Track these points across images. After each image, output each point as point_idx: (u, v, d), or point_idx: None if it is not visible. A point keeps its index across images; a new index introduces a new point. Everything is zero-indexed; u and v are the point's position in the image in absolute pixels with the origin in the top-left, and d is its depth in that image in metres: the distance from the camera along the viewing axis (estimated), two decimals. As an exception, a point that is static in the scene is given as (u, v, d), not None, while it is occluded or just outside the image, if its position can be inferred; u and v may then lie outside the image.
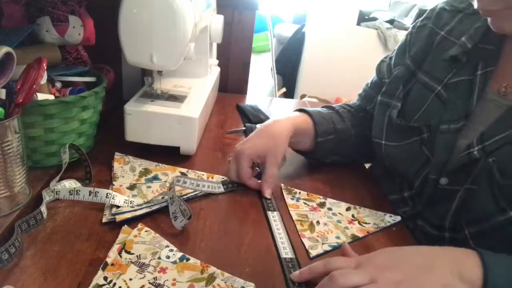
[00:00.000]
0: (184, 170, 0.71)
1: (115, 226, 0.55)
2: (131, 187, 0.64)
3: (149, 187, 0.65)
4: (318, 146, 0.75)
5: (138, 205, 0.59)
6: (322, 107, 0.84)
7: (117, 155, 0.73)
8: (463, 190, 0.58)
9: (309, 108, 0.78)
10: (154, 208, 0.59)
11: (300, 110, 0.78)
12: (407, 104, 0.69)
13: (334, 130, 0.76)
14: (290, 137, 0.70)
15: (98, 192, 0.59)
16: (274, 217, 0.61)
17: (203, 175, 0.70)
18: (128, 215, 0.57)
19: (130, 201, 0.59)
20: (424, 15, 0.73)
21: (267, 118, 0.99)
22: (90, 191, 0.59)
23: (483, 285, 0.43)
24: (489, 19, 0.56)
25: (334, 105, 0.84)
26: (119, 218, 0.56)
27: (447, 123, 0.61)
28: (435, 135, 0.62)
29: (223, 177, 0.70)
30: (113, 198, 0.58)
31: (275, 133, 0.69)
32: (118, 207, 0.58)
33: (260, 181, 0.68)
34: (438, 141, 0.61)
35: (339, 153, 0.79)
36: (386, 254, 0.48)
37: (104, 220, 0.56)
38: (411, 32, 0.75)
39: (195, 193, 0.64)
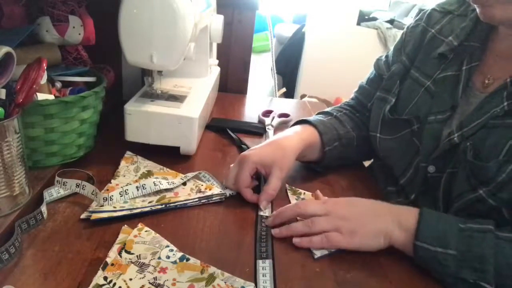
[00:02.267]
0: (184, 175, 0.69)
1: (115, 226, 0.55)
2: (124, 187, 0.63)
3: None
4: (326, 155, 0.75)
5: (120, 207, 0.59)
6: (318, 113, 0.83)
7: (127, 154, 0.73)
8: (446, 174, 0.62)
9: (310, 118, 0.78)
10: (135, 211, 0.58)
11: (301, 122, 0.78)
12: (400, 99, 0.72)
13: (338, 136, 0.76)
14: (299, 152, 0.69)
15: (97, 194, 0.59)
16: (265, 268, 0.51)
17: (202, 185, 0.67)
18: (104, 215, 0.56)
19: (125, 190, 0.61)
20: (418, 16, 0.76)
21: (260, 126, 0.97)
22: (93, 190, 0.59)
23: (416, 232, 0.52)
24: (478, 9, 0.57)
25: (329, 110, 0.84)
26: (94, 216, 0.56)
27: (435, 114, 0.65)
28: (424, 125, 0.65)
29: (221, 190, 0.66)
30: (110, 199, 0.59)
31: (284, 145, 0.68)
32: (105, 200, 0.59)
33: (255, 194, 0.65)
34: (426, 131, 0.65)
35: (345, 157, 0.79)
36: (347, 199, 0.61)
37: (82, 216, 0.56)
38: (405, 31, 0.78)
39: (194, 200, 0.63)
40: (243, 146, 0.84)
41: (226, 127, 0.92)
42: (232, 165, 0.68)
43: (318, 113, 0.83)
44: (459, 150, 0.59)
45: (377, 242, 0.55)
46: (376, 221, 0.56)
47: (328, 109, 0.85)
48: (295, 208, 0.59)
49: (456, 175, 0.59)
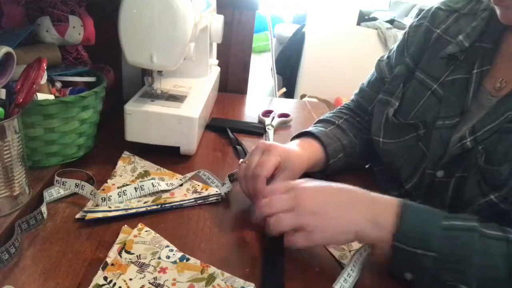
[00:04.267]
0: (181, 176, 0.69)
1: (115, 226, 0.55)
2: (122, 187, 0.63)
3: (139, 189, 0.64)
4: (330, 167, 0.74)
5: (116, 207, 0.59)
6: (319, 121, 0.81)
7: (125, 154, 0.73)
8: (455, 179, 0.60)
9: (313, 130, 0.76)
10: (130, 212, 0.58)
11: (304, 134, 0.76)
12: (404, 102, 0.70)
13: (342, 147, 0.75)
14: (305, 168, 0.69)
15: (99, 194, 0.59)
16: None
17: (198, 185, 0.67)
18: (99, 215, 0.56)
19: (124, 191, 0.60)
20: (421, 14, 0.74)
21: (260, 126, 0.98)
22: (91, 191, 0.59)
23: (396, 233, 0.49)
24: (498, 11, 0.56)
25: (330, 118, 0.81)
26: (89, 216, 0.56)
27: (443, 119, 0.62)
28: (431, 131, 0.63)
29: (217, 190, 0.66)
30: (109, 199, 0.59)
31: (301, 157, 0.67)
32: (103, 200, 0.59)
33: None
34: (434, 137, 0.63)
35: (349, 165, 0.78)
36: (316, 187, 0.54)
37: (77, 216, 0.56)
38: (408, 31, 0.75)
39: (190, 200, 0.63)
40: (238, 147, 0.83)
41: (226, 127, 0.92)
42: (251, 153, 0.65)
43: (319, 121, 0.82)
44: (471, 155, 0.57)
45: (345, 238, 0.51)
46: (347, 217, 0.51)
47: (328, 116, 0.83)
48: (262, 210, 0.53)
49: (466, 180, 0.58)
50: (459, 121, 0.61)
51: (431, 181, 0.63)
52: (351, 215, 0.51)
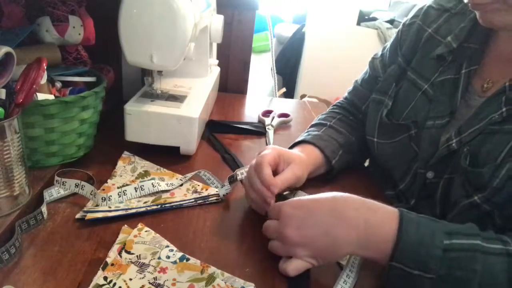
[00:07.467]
0: (181, 176, 0.69)
1: (115, 226, 0.55)
2: (122, 187, 0.62)
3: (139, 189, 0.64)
4: (334, 168, 0.74)
5: (116, 207, 0.59)
6: (312, 126, 0.81)
7: (125, 154, 0.73)
8: (443, 180, 0.60)
9: (306, 137, 0.75)
10: (130, 212, 0.58)
11: (300, 143, 0.75)
12: (397, 102, 0.70)
13: (339, 145, 0.75)
14: (309, 173, 0.69)
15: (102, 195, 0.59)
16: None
17: (198, 185, 0.68)
18: (99, 215, 0.56)
19: (124, 191, 0.60)
20: (413, 13, 0.74)
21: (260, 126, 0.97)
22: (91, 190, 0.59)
23: (392, 253, 0.46)
24: (477, 13, 0.56)
25: (322, 120, 0.81)
26: (89, 216, 0.56)
27: (433, 119, 0.63)
28: (422, 131, 0.64)
29: (217, 190, 0.66)
30: (109, 199, 0.59)
31: (305, 161, 0.68)
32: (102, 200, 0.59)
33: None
34: (424, 137, 0.63)
35: (351, 163, 0.78)
36: (301, 215, 0.50)
37: (77, 216, 0.56)
38: (401, 30, 0.75)
39: (190, 200, 0.63)
40: (225, 155, 0.80)
41: (212, 134, 0.89)
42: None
43: (311, 126, 0.81)
44: (457, 156, 0.58)
45: (340, 258, 0.52)
46: (336, 244, 0.49)
47: (320, 118, 0.82)
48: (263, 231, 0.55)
49: (454, 181, 0.58)
50: (449, 121, 0.62)
51: (423, 181, 0.63)
52: (339, 241, 0.49)
